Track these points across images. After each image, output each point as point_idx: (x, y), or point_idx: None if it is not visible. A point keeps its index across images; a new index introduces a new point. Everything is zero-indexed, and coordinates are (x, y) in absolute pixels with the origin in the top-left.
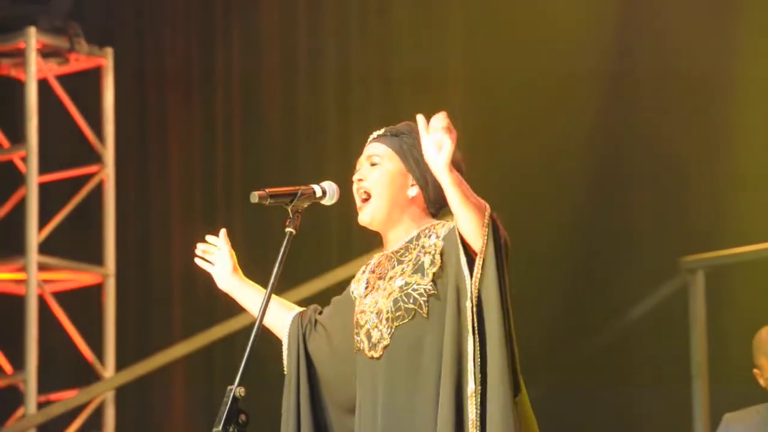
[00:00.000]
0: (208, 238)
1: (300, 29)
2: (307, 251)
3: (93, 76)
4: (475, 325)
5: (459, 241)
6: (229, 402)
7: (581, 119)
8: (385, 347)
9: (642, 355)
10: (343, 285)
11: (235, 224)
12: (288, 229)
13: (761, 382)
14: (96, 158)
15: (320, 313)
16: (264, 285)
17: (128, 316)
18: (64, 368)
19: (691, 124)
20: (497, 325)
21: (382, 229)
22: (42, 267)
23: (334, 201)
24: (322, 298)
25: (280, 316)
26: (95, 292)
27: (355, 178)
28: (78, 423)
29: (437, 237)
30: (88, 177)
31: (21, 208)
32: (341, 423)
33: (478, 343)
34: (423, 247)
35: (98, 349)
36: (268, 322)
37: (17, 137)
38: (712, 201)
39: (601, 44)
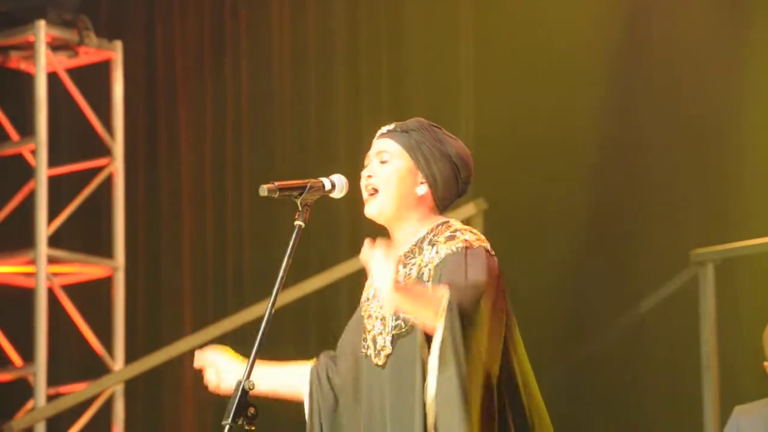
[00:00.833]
0: (196, 361)
1: (310, 21)
2: (316, 244)
3: (102, 69)
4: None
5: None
6: (239, 395)
7: (588, 116)
8: (388, 356)
9: (652, 347)
10: (353, 278)
11: (244, 217)
12: (297, 222)
13: None
14: (105, 151)
15: (335, 350)
16: (274, 277)
17: (138, 308)
18: (73, 361)
19: (703, 117)
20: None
21: (388, 224)
22: (51, 260)
23: (343, 194)
24: (331, 291)
25: (294, 373)
26: (105, 285)
27: (363, 173)
28: (88, 416)
29: (437, 253)
30: (97, 170)
31: (30, 201)
32: None
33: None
34: (426, 256)
35: (108, 342)
36: (280, 387)
37: (27, 130)
38: (722, 193)
39: (612, 40)
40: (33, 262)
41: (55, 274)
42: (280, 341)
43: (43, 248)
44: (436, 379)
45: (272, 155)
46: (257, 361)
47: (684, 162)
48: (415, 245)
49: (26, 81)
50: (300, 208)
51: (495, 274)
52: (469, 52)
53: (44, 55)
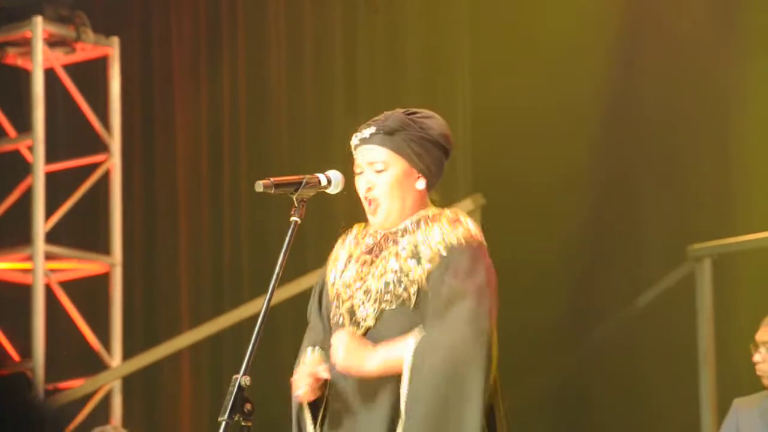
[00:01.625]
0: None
1: (307, 15)
2: (313, 240)
3: (99, 65)
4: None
5: None
6: (235, 391)
7: (587, 111)
8: (369, 327)
9: (649, 342)
10: None
11: (240, 213)
12: (293, 218)
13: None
14: (102, 147)
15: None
16: (270, 273)
17: (135, 305)
18: (71, 357)
19: (698, 113)
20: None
21: (393, 224)
22: (49, 256)
23: (339, 190)
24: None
25: None
26: (102, 281)
27: (360, 185)
28: (85, 412)
29: (442, 239)
30: (94, 166)
31: (27, 197)
32: None
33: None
34: (426, 237)
35: (105, 338)
36: None
37: (24, 127)
38: (719, 189)
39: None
40: (30, 258)
41: (52, 271)
42: (278, 337)
43: (40, 245)
44: None
45: (269, 151)
46: None
47: (682, 157)
48: (408, 225)
49: (23, 77)
50: (296, 204)
51: (493, 272)
52: (465, 43)
53: (41, 52)
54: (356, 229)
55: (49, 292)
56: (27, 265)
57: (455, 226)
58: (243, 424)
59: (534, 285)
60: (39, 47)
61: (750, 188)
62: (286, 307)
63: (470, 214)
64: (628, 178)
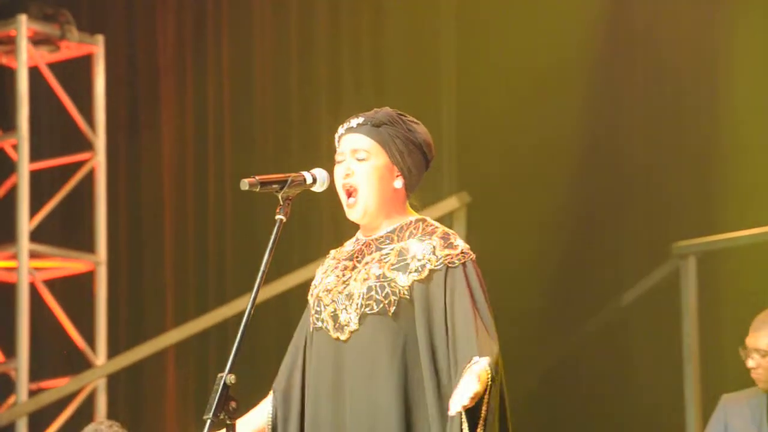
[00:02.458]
0: None
1: (292, 14)
2: (298, 238)
3: (84, 63)
4: None
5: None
6: (220, 389)
7: (571, 108)
8: (353, 332)
9: (635, 339)
10: None
11: (225, 212)
12: (278, 216)
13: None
14: (87, 146)
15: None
16: (255, 272)
17: (120, 303)
18: (55, 356)
19: (685, 109)
20: None
21: (370, 222)
22: (33, 255)
23: (324, 188)
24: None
25: (259, 415)
26: (87, 279)
27: (339, 172)
28: (70, 410)
29: (434, 253)
30: (79, 165)
31: (12, 195)
32: None
33: None
34: (412, 248)
35: (90, 337)
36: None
37: (8, 125)
38: (704, 187)
39: (591, 36)
40: (15, 256)
41: (37, 269)
42: (262, 335)
43: (24, 243)
44: None
45: (254, 149)
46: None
47: (666, 155)
48: (391, 232)
49: (7, 75)
50: (281, 202)
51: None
52: (451, 46)
53: (26, 50)
54: (333, 252)
55: (33, 290)
56: (11, 264)
57: (448, 244)
58: (228, 422)
59: (518, 283)
60: (23, 45)
61: (734, 186)
62: (272, 306)
63: (455, 212)
64: (612, 176)
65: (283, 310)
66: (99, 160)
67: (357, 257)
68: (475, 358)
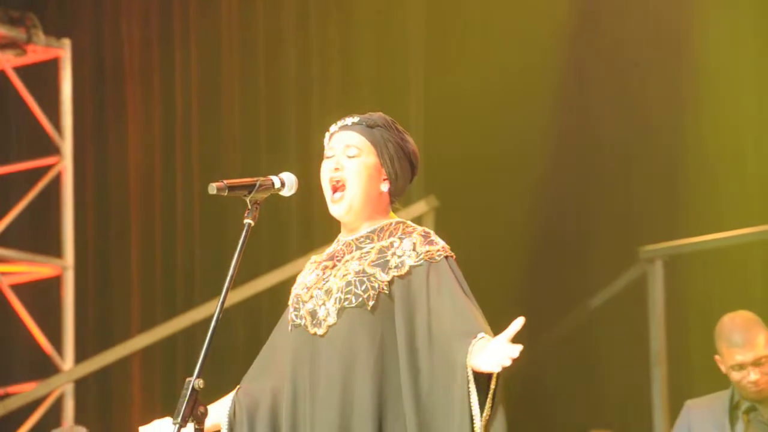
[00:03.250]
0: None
1: (259, 16)
2: (266, 242)
3: (51, 67)
4: None
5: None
6: (188, 394)
7: (539, 112)
8: (331, 326)
9: (602, 343)
10: None
11: (193, 216)
12: (246, 221)
13: (722, 368)
14: (54, 150)
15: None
16: (223, 276)
17: (87, 308)
18: (22, 361)
19: (649, 114)
20: None
21: (352, 221)
22: (0, 259)
23: (292, 192)
24: (281, 290)
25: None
26: (54, 284)
27: (327, 166)
28: (37, 416)
29: (414, 250)
30: (46, 169)
31: None
32: None
33: None
34: (393, 245)
35: (57, 342)
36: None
37: None
38: (669, 191)
39: (557, 39)
40: None
41: (3, 274)
42: (231, 340)
43: None
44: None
45: (222, 153)
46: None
47: (633, 160)
48: (371, 232)
49: None
50: (249, 207)
51: None
52: (418, 50)
53: None
54: (314, 257)
55: (0, 295)
56: None
57: (428, 241)
58: (196, 427)
59: (486, 287)
60: None
61: (701, 190)
62: (240, 310)
63: (424, 216)
64: (579, 181)
65: (251, 314)
66: (66, 165)
67: (337, 257)
68: (481, 334)
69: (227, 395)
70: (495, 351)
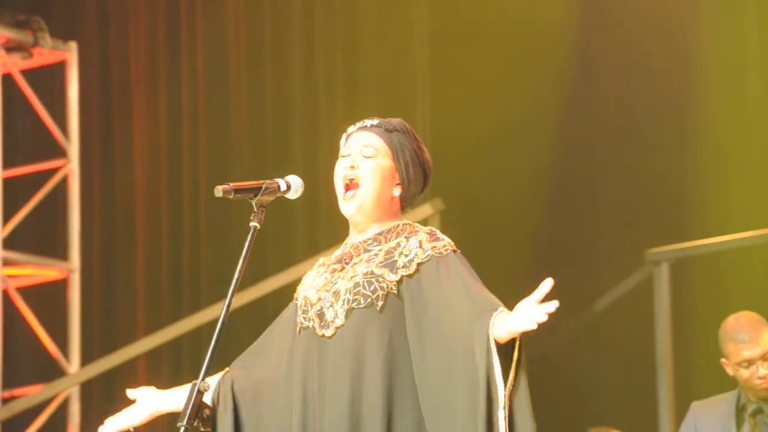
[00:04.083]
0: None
1: (266, 19)
2: (272, 245)
3: (57, 70)
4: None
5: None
6: (194, 397)
7: (548, 113)
8: (339, 327)
9: (608, 345)
10: None
11: (199, 219)
12: (252, 224)
13: (728, 370)
14: (60, 153)
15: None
16: (229, 279)
17: (93, 311)
18: (28, 364)
19: (658, 116)
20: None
21: (361, 221)
22: (6, 262)
23: (298, 195)
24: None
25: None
26: (60, 287)
27: (343, 164)
28: (43, 418)
29: (420, 247)
30: (52, 172)
31: None
32: None
33: None
34: (399, 245)
35: (63, 345)
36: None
37: None
38: (676, 194)
39: (566, 37)
40: None
41: (10, 276)
42: (236, 343)
43: None
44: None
45: (228, 156)
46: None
47: (639, 162)
48: (378, 234)
49: None
50: (255, 209)
51: None
52: (424, 52)
53: None
54: (322, 259)
55: (6, 298)
56: None
57: (434, 238)
58: (202, 429)
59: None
60: None
61: (708, 192)
62: (246, 313)
63: (429, 219)
64: (586, 183)
65: (257, 316)
66: (72, 168)
67: (345, 260)
68: (501, 308)
69: (192, 382)
70: (526, 310)
